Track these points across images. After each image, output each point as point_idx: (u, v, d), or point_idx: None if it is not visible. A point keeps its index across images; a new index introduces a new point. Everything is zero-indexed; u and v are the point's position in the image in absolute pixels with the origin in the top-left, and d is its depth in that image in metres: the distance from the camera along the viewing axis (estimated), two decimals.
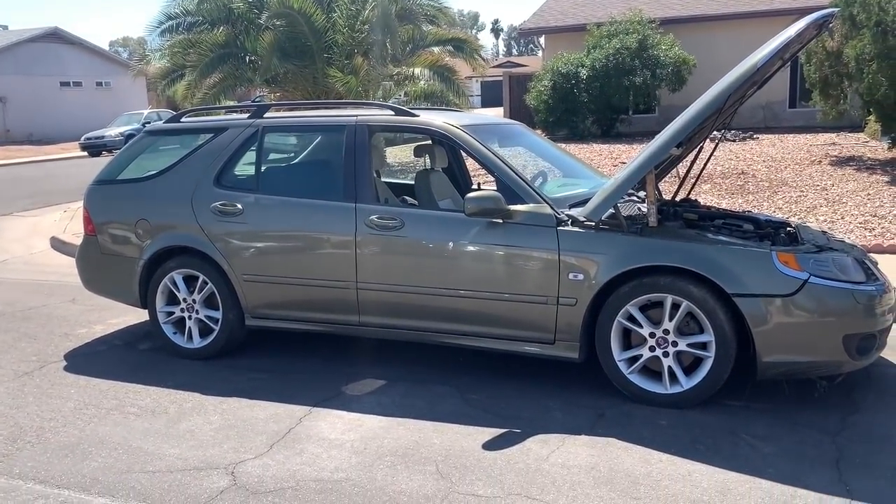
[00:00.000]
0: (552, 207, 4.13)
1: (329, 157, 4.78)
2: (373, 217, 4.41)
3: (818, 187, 9.60)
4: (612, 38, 17.41)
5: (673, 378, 3.92)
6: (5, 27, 42.82)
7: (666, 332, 3.90)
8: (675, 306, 3.86)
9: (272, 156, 4.90)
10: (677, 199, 5.30)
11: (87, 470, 3.45)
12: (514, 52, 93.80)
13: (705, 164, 5.34)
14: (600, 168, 11.96)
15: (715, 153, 13.19)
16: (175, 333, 5.04)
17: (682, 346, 3.89)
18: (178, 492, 3.23)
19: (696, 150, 5.18)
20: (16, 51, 36.82)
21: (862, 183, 9.70)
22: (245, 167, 4.92)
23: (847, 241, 4.58)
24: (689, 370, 3.92)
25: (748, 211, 5.35)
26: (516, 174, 4.28)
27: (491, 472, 3.31)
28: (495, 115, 25.92)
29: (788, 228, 4.50)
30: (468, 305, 4.25)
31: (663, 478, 3.22)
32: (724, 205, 8.97)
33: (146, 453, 3.62)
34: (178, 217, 4.93)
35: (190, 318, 4.97)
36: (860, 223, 7.77)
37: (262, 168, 4.87)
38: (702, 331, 3.84)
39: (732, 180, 10.42)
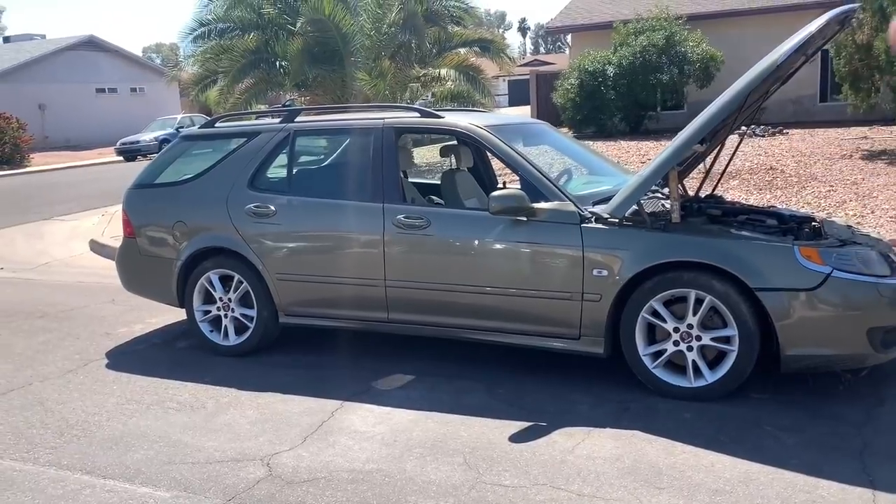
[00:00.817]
0: (576, 205, 4.20)
1: (357, 159, 4.91)
2: (400, 217, 4.53)
3: (848, 182, 9.52)
4: (638, 35, 17.37)
5: (697, 372, 3.98)
6: (43, 36, 43.80)
7: (690, 326, 3.96)
8: (699, 301, 3.91)
9: (303, 158, 5.04)
10: (702, 195, 5.34)
11: (131, 461, 3.62)
12: (542, 50, 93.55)
13: (730, 160, 5.37)
14: (628, 165, 11.95)
15: (743, 149, 13.15)
16: (212, 331, 5.21)
17: (705, 340, 3.94)
18: (217, 482, 3.37)
19: (721, 145, 5.21)
20: (53, 59, 37.71)
21: (893, 177, 9.60)
22: (277, 170, 5.07)
23: (873, 234, 4.59)
24: (713, 364, 3.97)
25: (773, 206, 5.36)
26: (540, 172, 4.36)
27: (517, 464, 3.41)
28: (523, 113, 26.00)
29: (813, 223, 4.52)
30: (494, 302, 4.35)
31: (686, 468, 3.29)
32: (753, 200, 8.94)
33: (186, 445, 3.77)
34: (213, 219, 5.09)
35: (226, 316, 5.14)
36: (891, 217, 7.71)
37: (294, 171, 5.03)
38: (725, 325, 3.89)
39: (761, 176, 10.37)
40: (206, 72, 11.45)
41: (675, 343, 4.01)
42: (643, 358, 4.08)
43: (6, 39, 44.96)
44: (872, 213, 7.97)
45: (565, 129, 19.96)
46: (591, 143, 16.74)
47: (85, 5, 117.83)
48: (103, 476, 3.48)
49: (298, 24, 10.79)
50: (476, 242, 4.38)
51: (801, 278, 3.75)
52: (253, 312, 5.04)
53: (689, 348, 3.98)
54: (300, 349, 5.18)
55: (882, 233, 7.20)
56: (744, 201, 8.75)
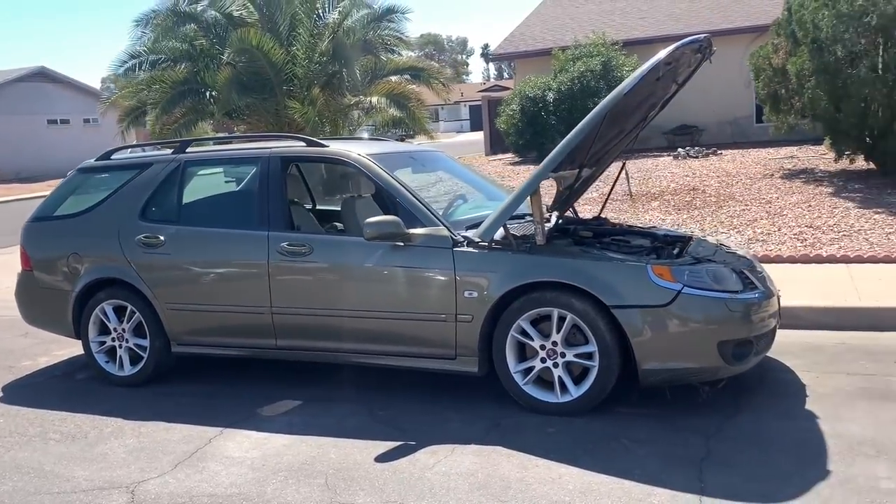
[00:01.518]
0: (449, 230, 4.34)
1: (245, 188, 5.02)
2: (283, 244, 4.63)
3: (763, 200, 9.84)
4: (576, 61, 17.77)
5: (563, 387, 4.11)
6: None
7: (555, 343, 4.10)
8: (561, 319, 4.06)
9: (193, 189, 5.13)
10: (592, 216, 5.53)
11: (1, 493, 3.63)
12: (506, 75, 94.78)
13: (613, 185, 5.57)
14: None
15: (672, 170, 13.49)
16: (107, 362, 5.23)
17: (569, 356, 4.09)
18: None
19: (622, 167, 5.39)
20: (3, 91, 37.27)
21: (806, 195, 9.94)
22: (168, 201, 5.13)
23: (740, 252, 4.80)
24: (580, 380, 4.12)
25: (654, 227, 5.56)
26: (417, 199, 4.50)
27: (375, 483, 3.49)
28: (478, 138, 26.17)
29: (681, 243, 4.72)
30: (375, 326, 4.46)
31: (534, 481, 3.41)
32: (671, 220, 9.21)
33: (56, 476, 3.80)
34: (106, 250, 5.14)
35: (120, 346, 5.17)
36: (795, 234, 7.99)
37: (184, 201, 5.10)
38: (587, 342, 4.04)
39: (682, 196, 10.66)
40: (138, 103, 11.50)
41: (543, 360, 4.15)
42: (514, 375, 4.21)
43: None
44: (779, 230, 8.26)
45: (511, 154, 20.27)
46: (532, 167, 17.01)
47: (40, 36, 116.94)
48: None
49: (227, 55, 10.90)
50: (356, 268, 4.50)
51: (654, 295, 3.92)
52: (146, 342, 5.08)
53: (555, 365, 4.12)
54: (195, 378, 5.23)
55: (783, 248, 7.48)
56: (659, 223, 9.01)
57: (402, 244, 4.36)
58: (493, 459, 3.66)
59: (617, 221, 5.62)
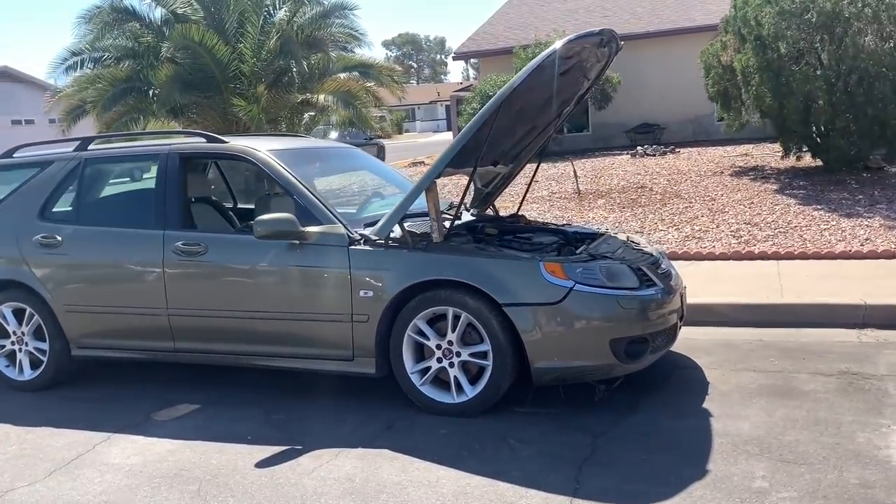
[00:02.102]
0: (346, 227, 4.23)
1: (143, 186, 4.87)
2: (178, 244, 4.50)
3: (707, 198, 9.83)
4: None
5: (459, 388, 4.02)
6: None
7: (450, 343, 4.01)
8: (456, 318, 3.97)
9: (92, 187, 4.97)
10: (508, 213, 5.45)
11: None
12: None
13: (530, 184, 5.50)
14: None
15: (626, 168, 13.48)
16: (7, 366, 5.07)
17: (464, 356, 3.99)
18: None
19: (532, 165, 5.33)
20: None
21: (750, 192, 9.94)
22: (67, 199, 4.98)
23: (649, 248, 4.72)
24: (476, 380, 4.02)
25: (567, 224, 5.50)
26: (314, 196, 4.38)
27: (248, 489, 3.38)
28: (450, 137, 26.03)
29: (589, 240, 4.65)
30: (272, 327, 4.34)
31: (410, 485, 3.31)
32: (613, 217, 9.17)
33: None
34: (4, 251, 4.98)
35: (20, 350, 5.01)
36: (732, 231, 7.97)
37: (83, 199, 4.95)
38: (482, 340, 3.94)
39: (629, 194, 10.63)
40: (80, 101, 11.28)
41: (439, 360, 4.05)
42: (411, 376, 4.11)
43: None
44: (717, 227, 8.24)
45: None
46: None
47: (4, 35, 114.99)
48: None
49: (166, 50, 10.71)
50: (251, 267, 4.38)
51: (546, 293, 3.83)
52: (46, 346, 4.92)
53: (451, 364, 4.03)
54: (98, 381, 5.08)
55: (719, 245, 7.45)
56: (601, 220, 8.97)
57: (297, 242, 4.24)
58: (375, 463, 3.55)
59: (533, 219, 5.53)
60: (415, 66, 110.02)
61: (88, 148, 5.06)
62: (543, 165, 16.04)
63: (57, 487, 3.53)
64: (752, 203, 9.24)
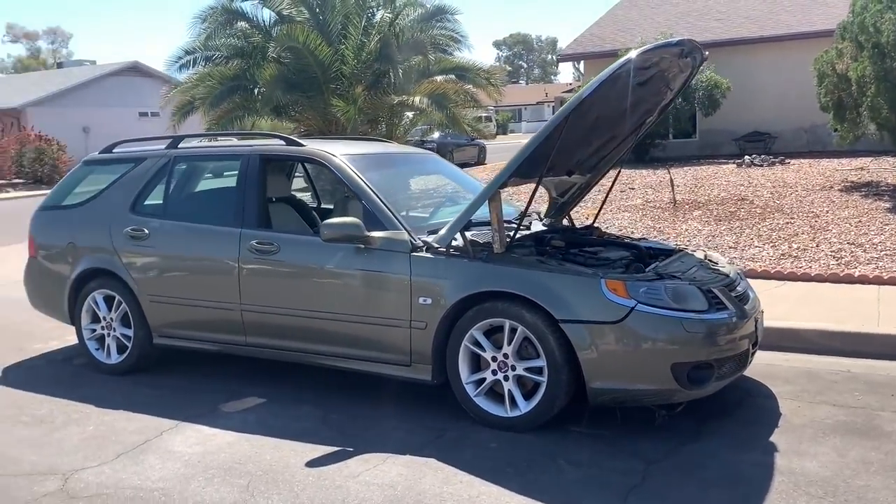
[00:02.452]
0: (409, 234, 4.26)
1: (226, 185, 5.06)
2: (253, 242, 4.65)
3: (811, 214, 9.29)
4: None
5: (513, 402, 3.97)
6: (93, 62, 45.67)
7: (506, 356, 3.97)
8: (513, 331, 3.92)
9: (179, 183, 5.22)
10: (581, 224, 5.33)
11: None
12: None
13: (608, 194, 5.36)
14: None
15: (729, 178, 12.91)
16: (97, 349, 5.39)
17: (520, 370, 3.94)
18: (6, 494, 3.51)
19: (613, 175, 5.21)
20: (99, 84, 39.27)
21: (859, 210, 9.33)
22: (156, 195, 5.24)
23: (725, 269, 4.50)
24: (531, 395, 3.96)
25: (642, 238, 5.31)
26: (381, 201, 4.43)
27: (294, 488, 3.45)
28: None
29: (663, 257, 4.48)
30: (335, 328, 4.42)
31: (450, 498, 3.29)
32: (707, 231, 8.81)
33: (7, 458, 3.92)
34: (98, 241, 5.29)
35: (109, 335, 5.32)
36: (833, 251, 7.51)
37: (170, 195, 5.20)
38: (538, 356, 3.88)
39: (727, 206, 10.19)
40: (190, 98, 11.87)
41: (494, 372, 4.01)
42: (466, 386, 4.09)
43: (59, 65, 47.04)
44: (817, 245, 7.78)
45: None
46: None
47: (135, 31, 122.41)
48: None
49: (272, 50, 11.10)
50: (318, 268, 4.48)
51: (606, 311, 3.73)
52: (131, 333, 5.20)
53: (506, 377, 3.98)
54: (177, 369, 5.32)
55: (815, 266, 7.04)
56: (694, 233, 8.63)
57: (362, 246, 4.30)
58: (419, 472, 3.56)
59: (608, 232, 5.38)
60: (525, 66, 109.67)
61: (178, 146, 5.31)
62: (643, 172, 15.65)
63: (121, 471, 3.72)
64: (860, 222, 8.67)
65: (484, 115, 28.44)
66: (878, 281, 6.46)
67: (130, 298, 5.15)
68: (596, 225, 5.35)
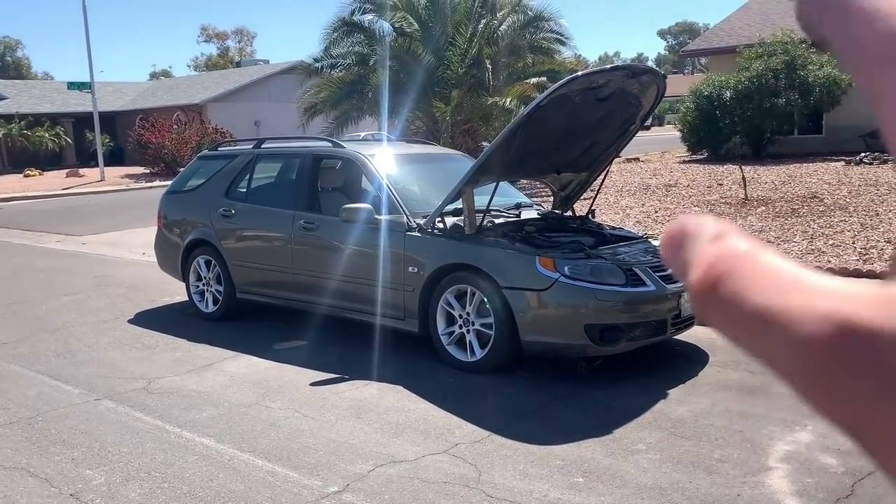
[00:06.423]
0: (407, 217, 5.49)
1: (288, 177, 6.54)
2: (302, 221, 6.07)
3: (871, 213, 9.49)
4: (758, 59, 17.28)
5: (472, 350, 5.11)
6: (267, 62, 50.16)
7: (468, 314, 5.11)
8: (473, 294, 5.06)
9: (260, 175, 6.76)
10: (576, 214, 6.31)
11: (81, 374, 5.46)
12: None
13: (601, 186, 6.29)
14: (733, 189, 12.38)
15: (821, 176, 12.88)
16: (200, 301, 7.06)
17: (477, 325, 5.08)
18: (107, 386, 5.13)
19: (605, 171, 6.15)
20: (269, 82, 43.23)
21: None
22: (242, 183, 6.81)
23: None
24: (485, 345, 5.08)
25: (620, 228, 6.17)
26: (392, 192, 5.69)
27: (293, 396, 4.81)
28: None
29: (623, 242, 5.42)
30: (353, 289, 5.74)
31: (392, 409, 4.51)
32: (757, 227, 9.29)
33: (118, 368, 5.58)
34: (202, 217, 6.95)
35: (207, 290, 6.96)
36: (863, 247, 7.86)
37: (250, 184, 6.75)
38: (490, 314, 5.00)
39: (793, 203, 10.50)
40: (315, 101, 13.67)
41: (460, 326, 5.17)
42: (441, 336, 5.28)
43: (237, 64, 52.02)
44: (853, 242, 8.13)
45: (683, 150, 20.09)
46: (698, 166, 16.97)
47: (306, 32, 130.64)
48: (56, 379, 5.37)
49: (378, 58, 12.66)
50: (342, 243, 5.82)
51: (537, 281, 4.79)
52: (222, 289, 6.81)
53: (468, 331, 5.13)
54: (252, 316, 6.87)
55: (836, 261, 7.49)
56: (747, 227, 9.16)
57: (373, 226, 5.59)
58: (387, 393, 4.80)
59: (596, 221, 6.30)
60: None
61: (262, 147, 6.86)
62: (746, 168, 15.79)
63: (187, 380, 5.25)
64: None
65: None
66: (877, 276, 6.87)
67: (221, 262, 6.75)
68: (593, 217, 6.29)
